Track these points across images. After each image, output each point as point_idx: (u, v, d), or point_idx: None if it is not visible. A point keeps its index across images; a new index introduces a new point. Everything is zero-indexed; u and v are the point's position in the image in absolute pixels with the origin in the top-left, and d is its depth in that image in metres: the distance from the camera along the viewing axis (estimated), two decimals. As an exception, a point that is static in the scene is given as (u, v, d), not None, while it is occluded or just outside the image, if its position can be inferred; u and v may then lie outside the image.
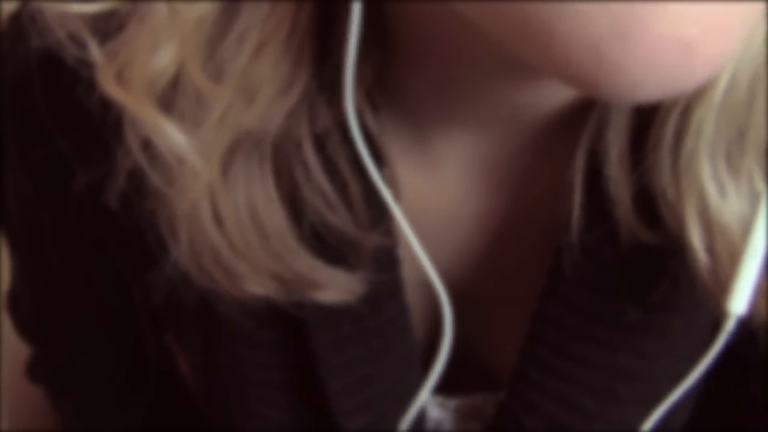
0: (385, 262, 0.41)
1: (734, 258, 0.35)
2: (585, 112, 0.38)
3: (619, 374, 0.41)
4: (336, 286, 0.39)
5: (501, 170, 0.42)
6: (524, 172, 0.42)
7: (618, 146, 0.37)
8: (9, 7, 0.41)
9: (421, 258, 0.37)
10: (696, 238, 0.36)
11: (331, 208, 0.38)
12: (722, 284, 0.36)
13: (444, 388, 0.49)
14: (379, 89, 0.38)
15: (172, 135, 0.34)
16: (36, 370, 0.60)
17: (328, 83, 0.36)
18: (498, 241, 0.43)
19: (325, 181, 0.38)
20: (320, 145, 0.37)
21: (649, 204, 0.37)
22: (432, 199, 0.42)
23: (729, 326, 0.37)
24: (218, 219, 0.36)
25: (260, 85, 0.33)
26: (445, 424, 0.50)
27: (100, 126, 0.38)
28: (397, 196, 0.39)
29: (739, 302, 0.36)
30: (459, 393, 0.49)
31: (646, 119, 0.36)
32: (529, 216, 0.43)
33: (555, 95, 0.38)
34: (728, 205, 0.35)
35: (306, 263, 0.38)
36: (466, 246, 0.44)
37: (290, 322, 0.41)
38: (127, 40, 0.34)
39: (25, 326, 0.57)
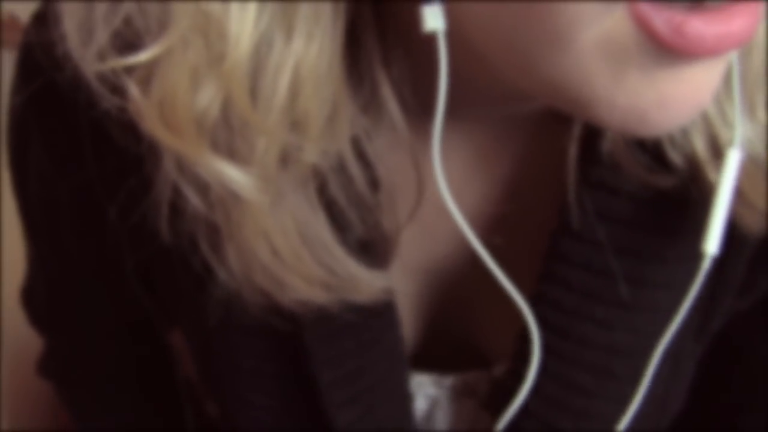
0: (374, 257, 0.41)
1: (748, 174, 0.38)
2: None
3: (615, 351, 0.42)
4: (373, 287, 0.40)
5: (496, 160, 0.43)
6: (519, 160, 0.43)
7: None
8: (9, 7, 0.41)
9: (489, 264, 0.37)
10: (710, 169, 0.38)
11: (365, 216, 0.39)
12: (744, 200, 0.39)
13: (439, 366, 0.50)
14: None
15: (232, 176, 0.34)
16: (47, 365, 0.60)
17: (366, 102, 0.36)
18: (494, 228, 0.44)
19: (367, 192, 0.38)
20: (365, 163, 0.38)
21: (652, 153, 0.39)
22: (428, 191, 0.43)
23: (705, 266, 0.39)
24: (267, 237, 0.37)
25: (306, 117, 0.33)
26: (440, 402, 0.51)
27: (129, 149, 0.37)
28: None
29: (712, 243, 0.38)
30: (453, 371, 0.50)
31: None
32: (523, 204, 0.44)
33: None
34: (731, 131, 0.37)
35: (352, 270, 0.39)
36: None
37: (282, 315, 0.42)
38: (161, 76, 0.33)
39: (38, 317, 0.58)
